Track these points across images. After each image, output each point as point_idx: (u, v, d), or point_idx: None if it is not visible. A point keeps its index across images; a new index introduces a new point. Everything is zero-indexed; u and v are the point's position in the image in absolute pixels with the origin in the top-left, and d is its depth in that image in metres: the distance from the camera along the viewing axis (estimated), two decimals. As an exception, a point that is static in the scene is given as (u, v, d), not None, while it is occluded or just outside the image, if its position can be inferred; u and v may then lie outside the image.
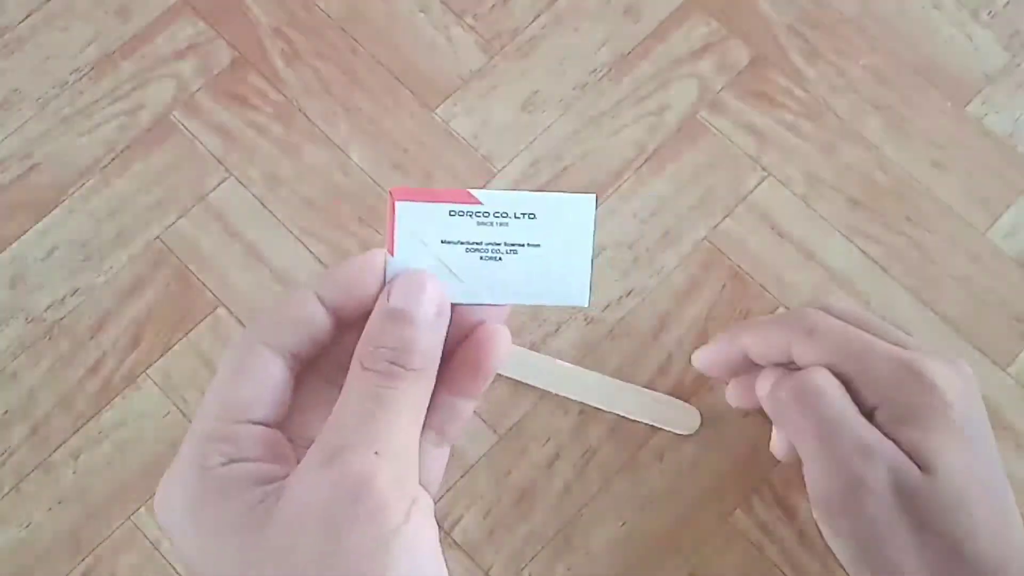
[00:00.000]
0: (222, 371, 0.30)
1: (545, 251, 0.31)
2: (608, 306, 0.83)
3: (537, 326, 0.82)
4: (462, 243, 0.30)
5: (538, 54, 0.91)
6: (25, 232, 0.85)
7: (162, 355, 0.81)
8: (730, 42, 0.92)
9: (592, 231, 0.31)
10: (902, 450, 0.35)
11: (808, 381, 0.36)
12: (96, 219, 0.86)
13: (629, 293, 0.83)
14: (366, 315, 0.30)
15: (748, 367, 0.40)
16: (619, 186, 0.87)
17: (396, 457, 0.27)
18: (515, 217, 0.30)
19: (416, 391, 0.28)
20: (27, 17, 0.92)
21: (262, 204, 0.86)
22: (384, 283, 0.30)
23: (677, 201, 0.86)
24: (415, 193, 0.30)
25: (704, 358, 0.40)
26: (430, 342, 0.29)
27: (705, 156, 0.88)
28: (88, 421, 0.80)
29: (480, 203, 0.31)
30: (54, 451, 0.79)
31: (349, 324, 0.31)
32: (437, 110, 0.89)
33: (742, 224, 0.85)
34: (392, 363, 0.29)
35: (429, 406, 0.30)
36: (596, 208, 0.32)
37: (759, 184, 0.87)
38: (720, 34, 0.92)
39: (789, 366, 0.43)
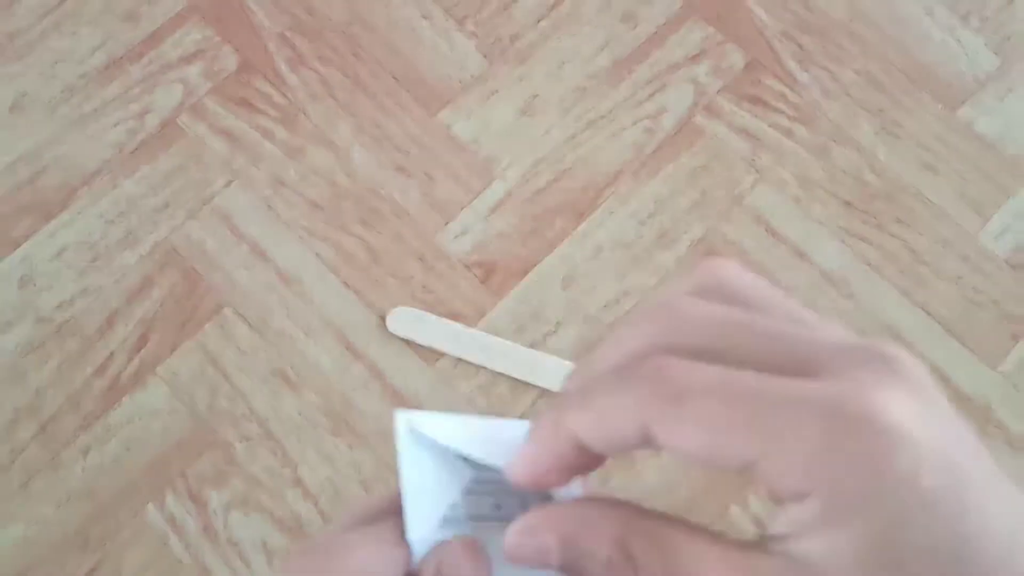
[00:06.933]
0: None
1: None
2: (607, 305, 0.84)
3: (538, 325, 0.84)
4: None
5: (537, 59, 0.93)
6: (34, 233, 0.86)
7: (169, 354, 0.83)
8: (725, 47, 0.93)
9: None
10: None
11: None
12: (105, 221, 0.87)
13: (627, 293, 0.85)
14: None
15: (588, 460, 0.24)
16: (617, 188, 0.88)
17: None
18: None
19: None
20: (38, 22, 0.94)
21: (267, 206, 0.88)
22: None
23: (674, 203, 0.88)
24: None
25: (525, 469, 0.24)
26: None
27: (701, 159, 0.89)
28: (96, 419, 0.81)
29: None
30: (63, 449, 0.80)
31: None
32: (438, 114, 0.91)
33: (737, 225, 0.86)
34: None
35: None
36: None
37: (753, 186, 0.88)
38: (715, 39, 0.93)
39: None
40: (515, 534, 0.23)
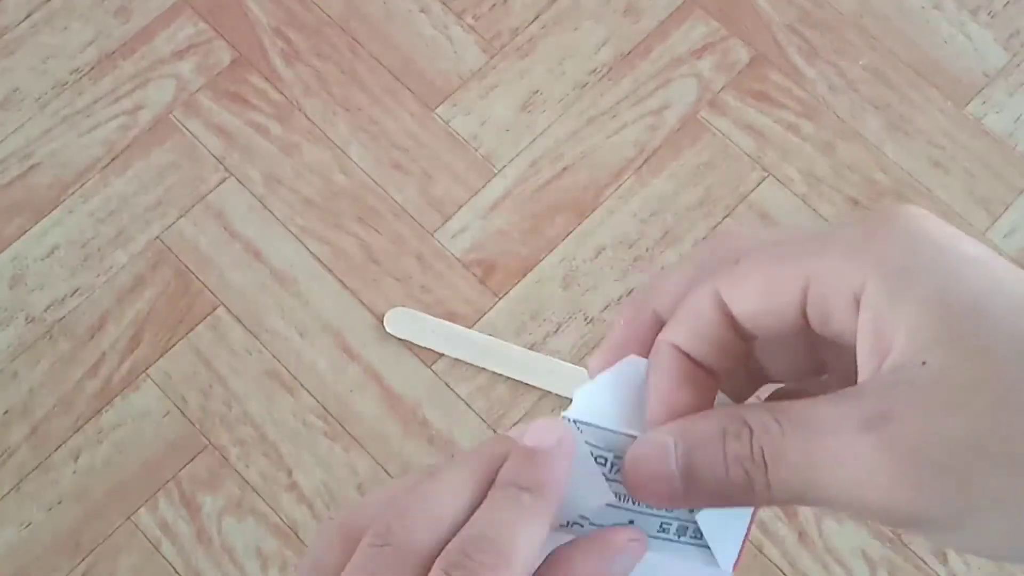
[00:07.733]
0: None
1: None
2: (608, 306, 0.83)
3: (537, 325, 0.82)
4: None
5: (538, 54, 0.91)
6: (25, 232, 0.85)
7: (162, 355, 0.81)
8: (730, 42, 0.92)
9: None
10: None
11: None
12: (96, 219, 0.86)
13: (630, 292, 0.83)
14: None
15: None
16: (619, 186, 0.87)
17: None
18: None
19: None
20: (27, 17, 0.92)
21: (262, 204, 0.86)
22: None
23: (677, 201, 0.86)
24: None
25: (614, 339, 0.27)
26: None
27: (705, 156, 0.88)
28: (88, 421, 0.79)
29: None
30: (54, 451, 0.79)
31: None
32: (437, 110, 0.89)
33: (742, 223, 0.85)
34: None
35: None
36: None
37: (759, 184, 0.87)
38: (720, 34, 0.92)
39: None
40: (633, 449, 0.25)
